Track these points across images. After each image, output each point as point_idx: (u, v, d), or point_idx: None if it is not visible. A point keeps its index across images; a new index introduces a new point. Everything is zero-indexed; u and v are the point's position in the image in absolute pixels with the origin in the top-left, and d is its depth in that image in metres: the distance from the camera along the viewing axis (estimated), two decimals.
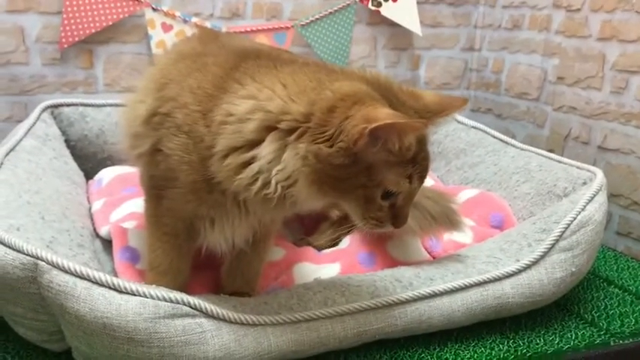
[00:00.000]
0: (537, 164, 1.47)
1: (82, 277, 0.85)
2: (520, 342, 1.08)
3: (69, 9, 1.62)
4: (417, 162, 0.84)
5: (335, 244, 1.31)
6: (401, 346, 1.03)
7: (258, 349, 0.91)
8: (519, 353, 1.05)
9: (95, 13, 1.64)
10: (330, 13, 1.92)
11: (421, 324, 1.02)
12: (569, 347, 1.08)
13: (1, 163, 1.21)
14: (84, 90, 1.73)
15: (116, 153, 1.59)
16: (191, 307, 0.89)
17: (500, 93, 2.10)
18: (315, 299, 1.00)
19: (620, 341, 1.11)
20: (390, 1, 1.96)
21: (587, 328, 1.13)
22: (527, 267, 1.10)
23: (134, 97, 0.98)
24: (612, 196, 1.63)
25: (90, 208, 1.37)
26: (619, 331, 1.13)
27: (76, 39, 1.65)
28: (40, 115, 1.51)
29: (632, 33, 1.58)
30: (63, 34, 1.64)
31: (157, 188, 0.97)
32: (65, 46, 1.66)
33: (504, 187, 1.51)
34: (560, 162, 1.43)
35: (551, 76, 1.86)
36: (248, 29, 1.82)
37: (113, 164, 1.60)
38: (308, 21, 1.89)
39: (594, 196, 1.18)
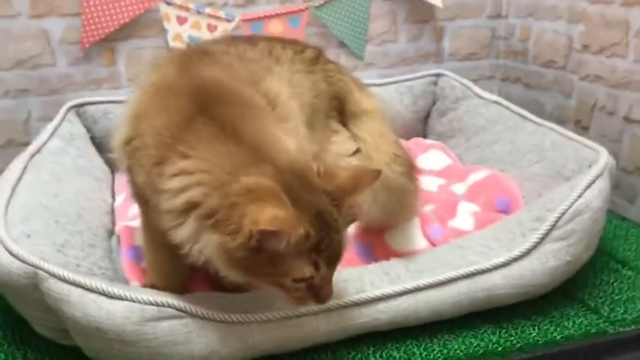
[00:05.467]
0: (551, 142, 1.43)
1: (75, 284, 0.93)
2: (512, 332, 1.08)
3: (87, 10, 1.69)
4: (321, 249, 0.85)
5: None
6: (390, 338, 1.06)
7: (243, 346, 0.97)
8: (509, 344, 1.05)
9: (112, 11, 1.71)
10: None
11: (407, 317, 1.05)
12: (562, 337, 1.07)
13: (26, 167, 1.29)
14: (109, 86, 1.81)
15: None
16: (177, 309, 0.95)
17: (528, 62, 2.02)
18: None
19: (620, 329, 1.10)
20: None
21: (588, 316, 1.12)
22: (519, 257, 1.09)
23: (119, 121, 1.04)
24: (638, 170, 1.57)
25: (113, 203, 1.47)
26: (620, 318, 1.11)
27: (97, 38, 1.72)
28: (65, 115, 1.59)
29: None
30: (84, 34, 1.72)
31: (138, 202, 1.05)
32: (87, 45, 1.73)
33: (518, 167, 1.48)
34: (571, 139, 1.38)
35: (577, 44, 1.78)
36: (262, 15, 1.83)
37: None
38: (323, 2, 1.88)
39: (594, 181, 1.14)
